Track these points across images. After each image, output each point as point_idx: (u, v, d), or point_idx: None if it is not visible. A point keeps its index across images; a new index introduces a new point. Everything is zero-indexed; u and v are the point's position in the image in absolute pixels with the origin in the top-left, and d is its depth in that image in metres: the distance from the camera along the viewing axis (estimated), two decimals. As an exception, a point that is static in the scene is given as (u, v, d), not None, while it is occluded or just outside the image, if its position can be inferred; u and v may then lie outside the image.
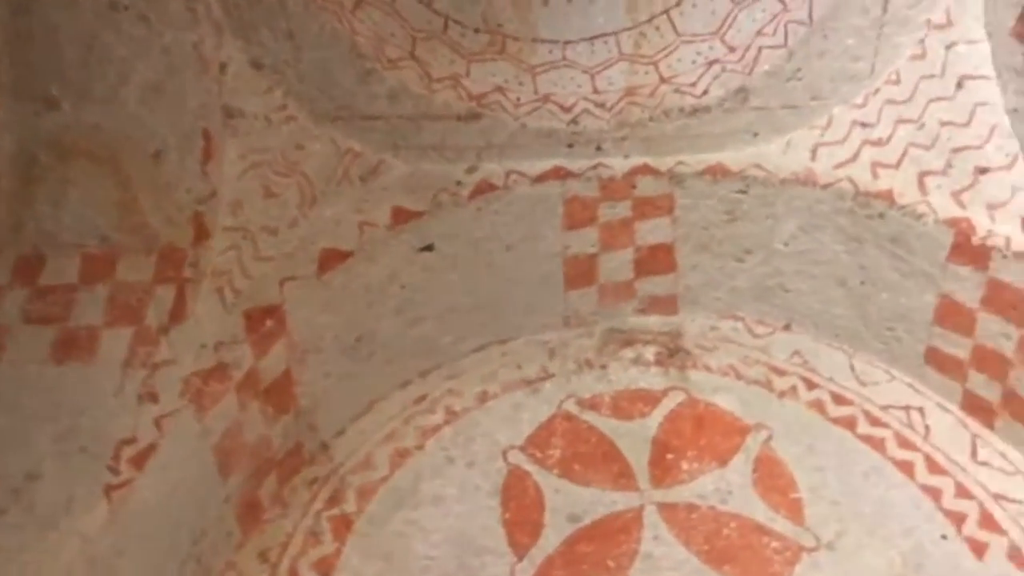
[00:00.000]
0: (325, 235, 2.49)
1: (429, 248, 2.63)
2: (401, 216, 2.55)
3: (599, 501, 2.48)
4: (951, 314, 2.53)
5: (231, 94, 2.31)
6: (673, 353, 2.84)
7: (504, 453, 2.61)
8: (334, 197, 2.54)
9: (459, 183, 2.62)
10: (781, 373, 2.75)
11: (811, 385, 2.71)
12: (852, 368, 2.75)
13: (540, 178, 2.63)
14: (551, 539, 2.40)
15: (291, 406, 2.44)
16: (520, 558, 2.36)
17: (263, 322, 2.26)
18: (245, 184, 2.37)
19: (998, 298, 2.40)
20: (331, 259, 2.44)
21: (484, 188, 2.61)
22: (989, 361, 2.50)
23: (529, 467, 2.57)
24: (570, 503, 2.47)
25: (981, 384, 2.54)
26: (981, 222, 2.40)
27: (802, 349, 2.81)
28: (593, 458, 2.58)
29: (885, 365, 2.75)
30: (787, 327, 2.88)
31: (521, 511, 2.46)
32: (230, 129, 2.32)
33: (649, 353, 2.84)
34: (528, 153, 2.65)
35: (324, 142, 2.48)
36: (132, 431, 1.93)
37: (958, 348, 2.57)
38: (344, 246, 2.47)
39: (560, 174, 2.64)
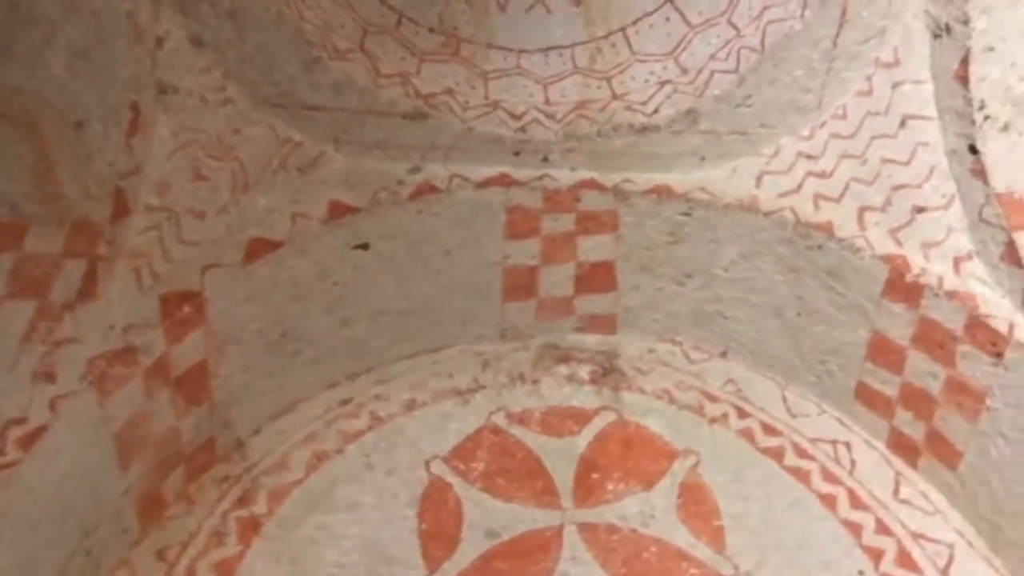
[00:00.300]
0: (255, 224, 2.41)
1: (364, 247, 2.56)
2: (338, 211, 2.48)
3: (520, 518, 2.41)
4: (882, 351, 2.54)
5: (166, 69, 2.22)
6: (608, 373, 2.80)
7: (427, 463, 2.54)
8: (268, 186, 2.46)
9: (400, 182, 2.56)
10: (714, 400, 2.73)
11: (743, 414, 2.69)
12: (784, 399, 2.75)
13: (484, 184, 2.58)
14: (466, 554, 2.33)
15: (205, 399, 2.33)
16: (432, 571, 2.28)
17: (180, 308, 2.16)
18: (175, 164, 2.27)
19: (928, 337, 2.42)
20: (259, 248, 2.35)
21: (426, 189, 2.56)
22: (916, 400, 2.51)
23: (451, 479, 2.50)
24: (490, 518, 2.40)
25: (907, 422, 2.55)
26: (916, 260, 2.42)
27: (736, 377, 2.79)
28: (518, 473, 2.52)
29: (816, 398, 2.75)
30: (723, 354, 2.86)
31: (438, 523, 2.38)
32: (163, 105, 2.23)
33: (584, 371, 2.80)
34: (473, 158, 2.60)
35: (262, 128, 2.40)
36: (23, 410, 1.81)
37: (887, 385, 2.57)
38: (274, 236, 2.39)
39: (505, 181, 2.60)
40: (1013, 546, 2.35)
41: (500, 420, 2.66)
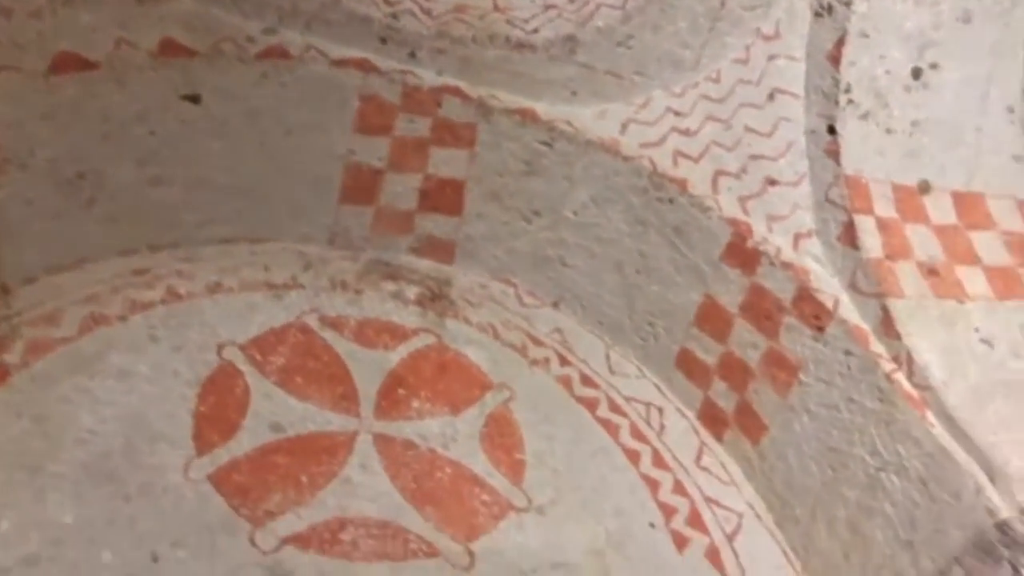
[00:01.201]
0: (71, 38, 2.12)
1: (195, 99, 2.31)
2: (171, 49, 2.23)
3: (312, 418, 2.22)
4: (711, 316, 2.55)
5: None
6: (436, 298, 2.67)
7: (220, 347, 2.30)
8: (97, 5, 2.17)
9: (250, 39, 2.35)
10: (538, 343, 2.65)
11: (564, 362, 2.63)
12: (607, 357, 2.71)
13: (341, 63, 2.41)
14: (244, 443, 2.11)
15: (-33, 216, 2.00)
16: (201, 454, 2.04)
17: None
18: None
19: (756, 305, 2.44)
20: (69, 63, 2.07)
21: (276, 53, 2.35)
22: (733, 370, 2.52)
23: (244, 367, 2.27)
24: (278, 412, 2.20)
25: (721, 393, 2.56)
26: (759, 230, 2.44)
27: (564, 328, 2.73)
28: (319, 375, 2.33)
29: (638, 361, 2.73)
30: (555, 304, 2.80)
31: (220, 408, 2.16)
32: None
33: (411, 292, 2.65)
34: (337, 34, 2.42)
35: (103, -61, 2.12)
36: None
37: (708, 354, 2.58)
38: (90, 55, 2.10)
39: (365, 66, 2.44)
40: (796, 523, 2.39)
41: (312, 321, 2.46)
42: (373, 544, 1.99)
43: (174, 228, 2.51)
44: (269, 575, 1.86)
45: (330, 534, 1.99)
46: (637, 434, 2.52)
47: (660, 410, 2.62)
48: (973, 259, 2.41)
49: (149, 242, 2.48)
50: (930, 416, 2.13)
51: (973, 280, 2.39)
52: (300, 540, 1.95)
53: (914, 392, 2.17)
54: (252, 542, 1.92)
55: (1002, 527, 1.89)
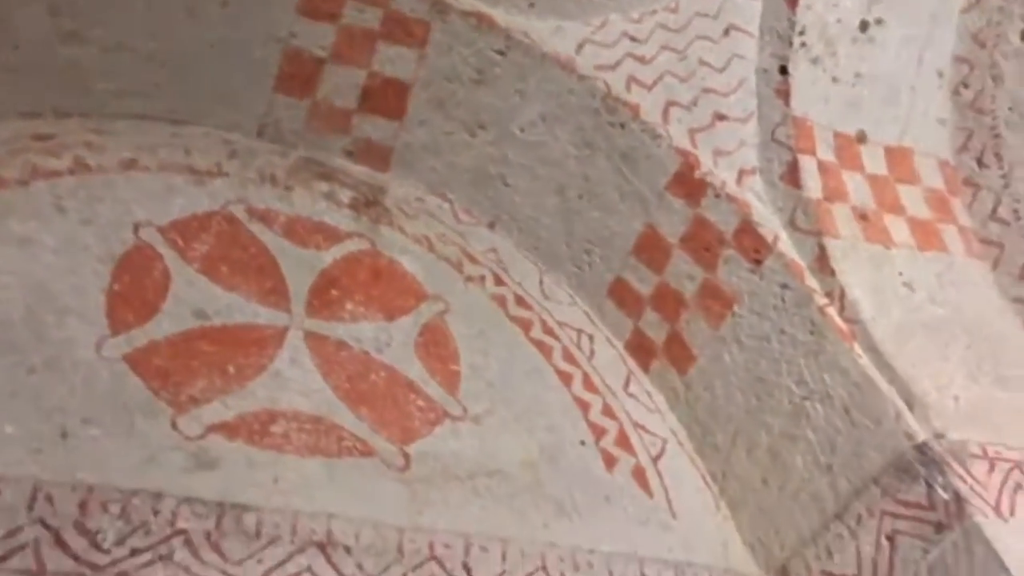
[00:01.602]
0: None
1: (126, -53, 2.07)
2: None
3: (238, 309, 2.07)
4: (650, 246, 2.55)
5: None
6: (370, 205, 2.54)
7: (136, 226, 2.10)
8: None
9: None
10: (474, 261, 2.57)
11: (499, 282, 2.57)
12: (541, 282, 2.67)
13: (293, -69, 2.21)
14: (164, 326, 1.93)
15: None
16: (116, 333, 1.85)
17: None
18: None
19: (697, 237, 2.46)
20: None
21: (224, -92, 2.14)
22: (667, 301, 2.54)
23: (163, 250, 2.08)
24: (202, 300, 2.03)
25: (652, 323, 2.58)
26: (706, 163, 2.45)
27: (499, 249, 2.67)
28: (246, 267, 2.16)
29: (571, 289, 2.70)
30: (491, 225, 2.73)
31: (136, 288, 1.96)
32: None
33: (344, 196, 2.51)
34: (293, -100, 2.23)
35: None
36: None
37: (643, 284, 2.59)
38: None
39: (318, -59, 2.25)
40: (717, 450, 2.44)
41: (238, 211, 2.29)
42: (306, 438, 1.87)
43: (85, 95, 2.27)
44: (193, 461, 1.71)
45: (260, 425, 1.85)
46: (569, 357, 2.49)
47: (591, 337, 2.61)
48: (899, 210, 2.52)
49: (55, 106, 2.23)
50: (857, 348, 2.21)
51: (898, 229, 2.50)
52: (227, 429, 1.81)
53: (844, 326, 2.25)
54: (174, 427, 1.76)
55: (921, 448, 1.99)
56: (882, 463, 2.07)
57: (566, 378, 2.42)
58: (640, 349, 2.63)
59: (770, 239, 2.35)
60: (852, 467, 2.14)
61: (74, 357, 1.77)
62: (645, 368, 2.61)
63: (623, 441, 2.34)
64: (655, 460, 2.34)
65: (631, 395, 2.50)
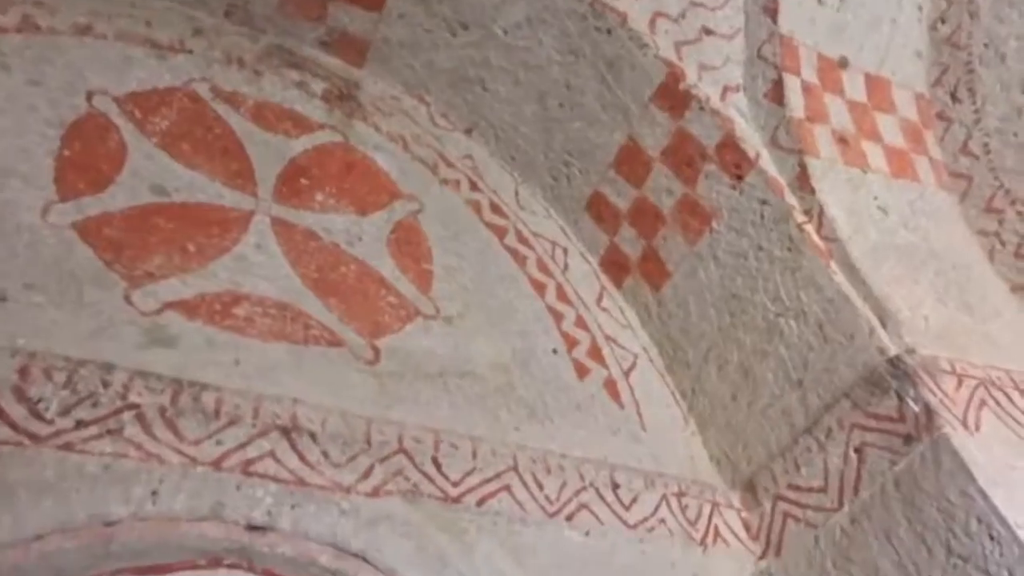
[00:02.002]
0: None
1: None
2: None
3: (199, 188, 1.84)
4: (630, 159, 2.39)
5: None
6: (344, 98, 2.32)
7: (90, 94, 1.85)
8: None
9: None
10: (449, 165, 2.38)
11: (475, 187, 2.38)
12: (516, 193, 2.50)
13: None
14: (118, 198, 1.71)
15: None
16: (65, 199, 1.62)
17: None
18: None
19: (679, 150, 2.31)
20: None
21: None
22: (645, 216, 2.39)
23: (119, 121, 1.84)
24: (161, 175, 1.80)
25: (628, 239, 2.43)
26: (691, 76, 2.28)
27: (476, 156, 2.48)
28: (210, 148, 1.94)
29: (547, 202, 2.53)
30: (468, 132, 2.53)
31: (89, 157, 1.73)
32: None
33: (317, 86, 2.29)
34: None
35: None
36: None
37: (621, 198, 2.43)
38: None
39: None
40: (687, 367, 2.32)
41: (203, 90, 2.05)
42: (271, 323, 1.68)
43: (34, -49, 1.98)
44: (148, 337, 1.51)
45: (221, 306, 1.65)
46: (543, 268, 2.34)
47: (565, 250, 2.45)
48: (876, 137, 2.40)
49: (1, -39, 1.93)
50: (834, 265, 2.10)
51: (874, 155, 2.38)
52: (186, 307, 1.61)
53: (821, 243, 2.13)
54: (128, 300, 1.55)
55: (893, 361, 1.90)
56: (853, 377, 1.97)
57: (540, 287, 2.27)
58: (614, 265, 2.48)
59: (752, 155, 2.21)
60: (823, 382, 2.03)
61: (17, 220, 1.54)
62: (618, 284, 2.47)
63: (595, 353, 2.20)
64: (626, 374, 2.21)
65: (604, 309, 2.36)
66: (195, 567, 1.36)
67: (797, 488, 2.00)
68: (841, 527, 1.90)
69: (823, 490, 1.95)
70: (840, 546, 1.88)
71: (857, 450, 1.91)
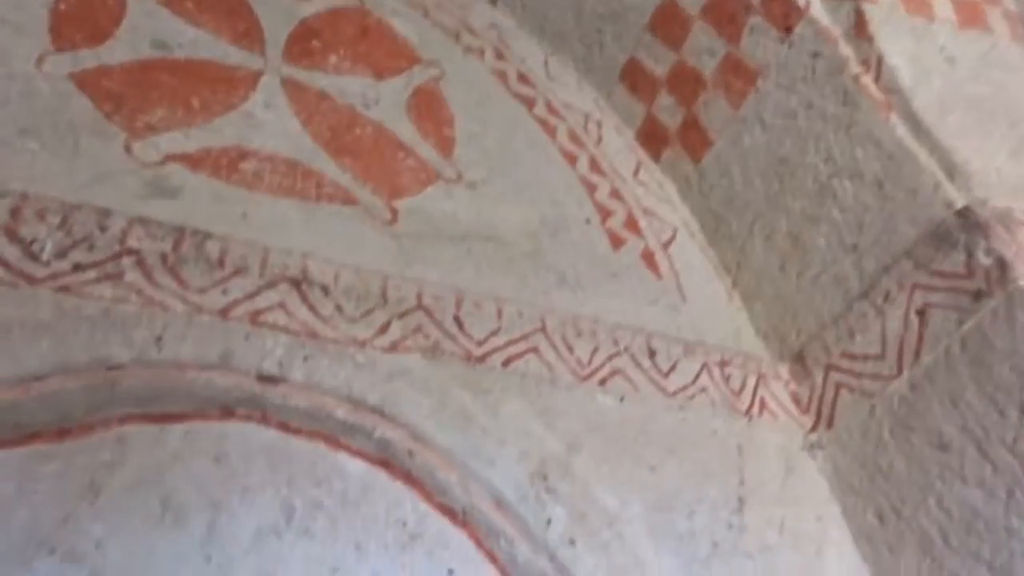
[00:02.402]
0: None
1: None
2: None
3: (204, 45, 1.74)
4: (667, 21, 2.20)
5: None
6: (358, -36, 2.16)
7: (85, -51, 1.73)
8: None
9: None
10: (474, 34, 2.23)
11: (500, 57, 2.23)
12: (546, 63, 2.34)
13: None
14: (117, 52, 1.62)
15: None
16: (60, 51, 1.53)
17: None
18: None
19: (721, 6, 2.11)
20: None
21: None
22: (684, 81, 2.21)
23: (118, -24, 1.72)
24: (163, 31, 1.70)
25: (666, 108, 2.26)
26: (734, -80, 2.07)
27: (502, 26, 2.32)
28: (215, 7, 1.84)
29: (578, 74, 2.38)
30: (493, 1, 2.36)
31: (85, 10, 1.64)
32: None
33: (329, -49, 2.13)
34: None
35: None
36: None
37: (659, 63, 2.25)
38: None
39: None
40: (731, 240, 2.17)
41: (207, -50, 1.91)
42: (280, 179, 1.58)
43: None
44: (149, 188, 1.43)
45: (228, 161, 1.56)
46: (574, 138, 2.19)
47: (598, 123, 2.30)
48: (944, -16, 2.16)
49: None
50: (894, 118, 1.90)
51: (941, 4, 2.14)
52: (190, 160, 1.52)
53: (880, 95, 1.93)
54: (128, 151, 1.47)
55: (962, 213, 1.72)
56: (916, 235, 1.80)
57: (571, 158, 2.13)
58: (652, 137, 2.32)
59: (801, 4, 2.01)
60: (881, 243, 1.87)
61: (10, 68, 1.46)
62: (656, 157, 2.31)
63: (631, 224, 2.07)
64: (665, 246, 2.08)
65: (641, 182, 2.21)
66: (206, 417, 1.30)
67: (851, 357, 1.86)
68: (900, 395, 1.76)
69: (880, 357, 1.80)
70: (898, 414, 1.75)
71: (919, 312, 1.75)
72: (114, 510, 1.16)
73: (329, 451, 1.36)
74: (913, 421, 1.72)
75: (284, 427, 1.35)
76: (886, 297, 1.82)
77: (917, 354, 1.74)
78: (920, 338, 1.74)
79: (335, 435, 1.37)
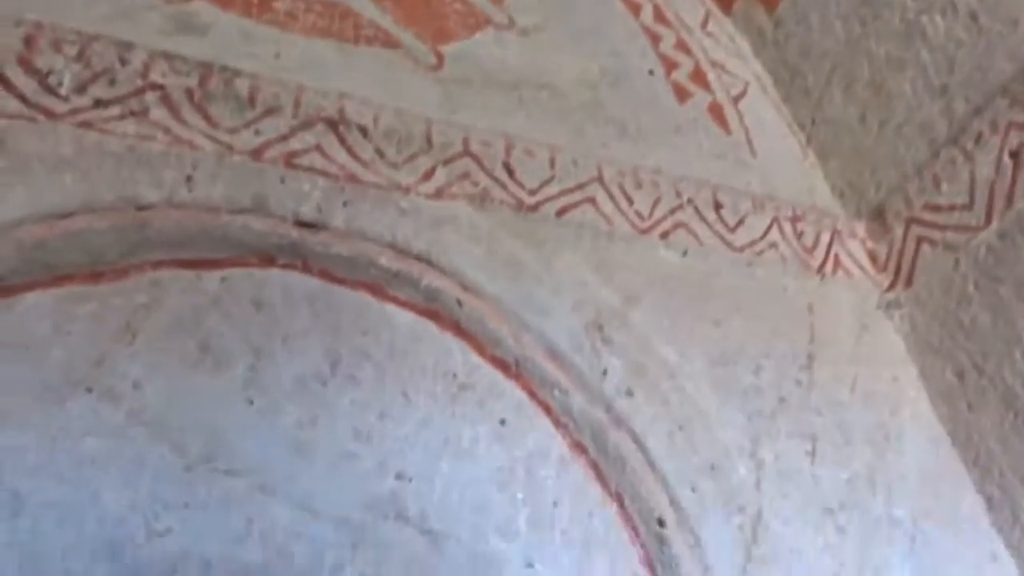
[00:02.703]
0: None
1: None
2: None
3: None
4: None
5: None
6: None
7: None
8: None
9: None
10: None
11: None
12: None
13: None
14: None
15: None
16: None
17: None
18: None
19: None
20: None
21: None
22: (756, -81, 1.94)
23: None
24: None
25: (737, -48, 2.00)
26: None
27: None
28: None
29: (638, -81, 2.10)
30: None
31: None
32: None
33: None
34: None
35: None
36: None
37: (728, -101, 1.98)
38: None
39: None
40: (807, 94, 1.95)
41: None
42: (315, 19, 1.44)
43: None
44: (173, 24, 1.31)
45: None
46: (634, -13, 1.97)
47: (661, -28, 2.06)
48: None
49: None
50: (996, -59, 1.63)
51: None
52: (219, -1, 1.38)
53: (983, -87, 1.65)
54: (150, -17, 1.33)
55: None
56: (1014, 70, 1.57)
57: (634, 7, 1.93)
58: (718, -13, 2.08)
59: None
60: (974, 82, 1.64)
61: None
62: (727, 8, 2.08)
63: (699, 77, 1.87)
64: (735, 100, 1.89)
65: (709, 34, 2.00)
66: (245, 264, 1.21)
67: (935, 208, 1.66)
68: (988, 245, 1.57)
69: (967, 207, 1.61)
70: (985, 266, 1.56)
71: (1013, 154, 1.55)
72: (151, 352, 1.09)
73: (375, 301, 1.27)
74: (1001, 272, 1.54)
75: (327, 275, 1.26)
76: (977, 140, 1.61)
77: (1009, 199, 1.54)
78: (1013, 182, 1.54)
79: (381, 285, 1.28)
